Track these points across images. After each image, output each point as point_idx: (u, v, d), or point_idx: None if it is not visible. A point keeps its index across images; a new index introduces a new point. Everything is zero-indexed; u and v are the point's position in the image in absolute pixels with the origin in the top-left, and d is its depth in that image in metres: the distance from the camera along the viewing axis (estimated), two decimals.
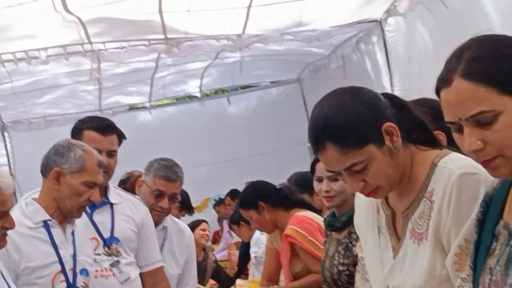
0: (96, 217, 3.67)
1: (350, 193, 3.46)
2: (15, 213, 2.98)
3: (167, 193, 3.96)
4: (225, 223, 8.91)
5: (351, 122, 1.92)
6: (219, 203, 9.52)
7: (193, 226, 6.82)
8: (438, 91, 1.64)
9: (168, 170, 3.97)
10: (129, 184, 4.74)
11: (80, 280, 3.23)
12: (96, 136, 3.65)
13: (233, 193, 8.77)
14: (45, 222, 3.22)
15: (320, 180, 3.50)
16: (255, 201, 4.23)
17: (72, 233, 3.29)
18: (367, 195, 2.03)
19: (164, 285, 3.85)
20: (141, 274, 3.75)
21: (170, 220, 4.15)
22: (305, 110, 9.38)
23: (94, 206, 3.63)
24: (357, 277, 2.35)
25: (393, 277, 2.07)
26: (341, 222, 3.40)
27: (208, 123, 9.36)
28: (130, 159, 5.01)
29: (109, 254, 3.62)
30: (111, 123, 3.81)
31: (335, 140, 1.92)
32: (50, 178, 3.21)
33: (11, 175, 3.71)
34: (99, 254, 3.59)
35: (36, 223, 3.20)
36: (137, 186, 4.08)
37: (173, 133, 9.15)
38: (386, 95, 2.06)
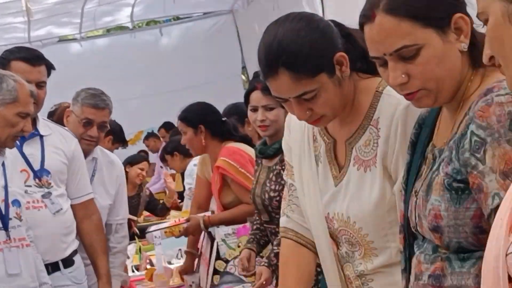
0: (26, 149, 3.63)
1: (283, 123, 3.49)
2: None
3: (95, 121, 3.93)
4: (156, 157, 8.88)
5: (307, 50, 1.90)
6: (148, 136, 9.48)
7: (133, 161, 6.79)
8: (361, 27, 1.65)
9: (96, 98, 3.94)
10: (57, 115, 4.66)
11: (13, 211, 3.20)
12: (25, 67, 3.57)
13: (167, 125, 8.73)
14: None
15: (255, 109, 3.50)
16: (197, 122, 4.21)
17: (3, 164, 3.24)
18: (311, 123, 2.04)
19: (94, 217, 3.84)
20: (72, 206, 3.73)
21: (100, 152, 4.12)
22: (238, 42, 9.34)
23: (23, 138, 3.57)
24: (284, 204, 2.35)
25: (335, 204, 2.08)
26: (273, 149, 3.45)
27: (140, 55, 9.24)
28: (60, 91, 4.94)
29: (40, 186, 3.60)
30: (39, 53, 3.74)
31: (289, 67, 1.90)
32: None
33: None
34: (30, 186, 3.56)
35: None
36: (65, 116, 4.03)
37: (104, 66, 9.01)
38: (334, 23, 2.03)
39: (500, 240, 1.17)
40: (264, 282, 3.28)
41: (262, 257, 3.51)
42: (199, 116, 4.23)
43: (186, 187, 5.84)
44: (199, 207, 4.39)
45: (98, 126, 3.94)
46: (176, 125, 5.36)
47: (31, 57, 3.62)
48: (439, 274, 1.55)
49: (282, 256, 2.33)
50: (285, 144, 2.31)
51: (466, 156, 1.48)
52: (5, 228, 3.15)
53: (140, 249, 4.97)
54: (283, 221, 2.33)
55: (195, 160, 5.41)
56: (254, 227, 3.64)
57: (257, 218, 3.60)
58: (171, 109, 8.59)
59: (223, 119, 4.22)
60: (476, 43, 1.56)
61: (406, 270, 1.72)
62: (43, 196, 3.58)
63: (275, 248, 3.27)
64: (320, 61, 1.92)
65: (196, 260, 4.31)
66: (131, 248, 5.24)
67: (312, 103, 1.95)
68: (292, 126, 2.26)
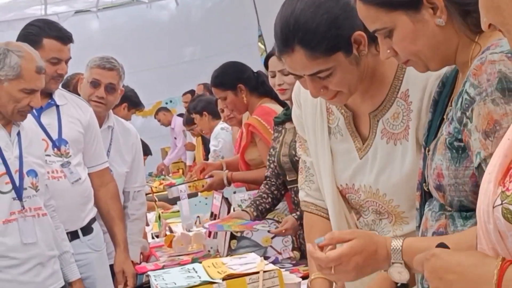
0: (44, 119, 3.67)
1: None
2: None
3: (102, 82, 3.98)
4: (178, 123, 8.88)
5: (325, 28, 1.88)
6: (158, 111, 9.49)
7: None
8: None
9: (102, 60, 4.01)
10: (72, 86, 4.72)
11: (27, 181, 3.24)
12: (58, 45, 3.63)
13: (191, 92, 8.65)
14: None
15: (273, 75, 3.57)
16: (235, 82, 4.22)
17: (18, 134, 3.30)
18: (327, 100, 2.04)
19: (111, 186, 3.90)
20: (88, 175, 3.80)
21: (115, 120, 4.17)
22: (254, 10, 9.32)
23: (40, 108, 3.63)
24: (301, 178, 2.36)
25: (362, 176, 2.09)
26: None
27: (157, 26, 9.25)
28: (76, 64, 4.96)
29: (59, 156, 3.65)
30: (69, 33, 3.76)
31: (305, 45, 1.89)
32: None
33: None
34: (49, 155, 3.60)
35: None
36: (78, 85, 4.10)
37: (121, 37, 9.06)
38: None
39: (488, 194, 1.19)
40: (284, 231, 3.34)
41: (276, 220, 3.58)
42: (234, 75, 4.23)
43: (211, 149, 5.88)
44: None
45: (106, 88, 3.99)
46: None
47: (63, 36, 3.68)
48: (442, 231, 1.59)
49: (306, 227, 2.37)
50: (295, 119, 2.32)
51: (459, 115, 1.52)
52: (19, 198, 3.20)
53: (159, 216, 5.03)
54: (302, 195, 2.36)
55: (223, 123, 5.45)
56: (257, 193, 3.71)
57: (265, 183, 3.66)
58: (188, 79, 8.70)
59: (255, 72, 4.23)
60: (470, 10, 1.57)
61: (419, 228, 1.75)
62: (62, 166, 3.63)
63: None
64: (337, 40, 1.89)
65: None
66: (151, 216, 5.32)
67: (327, 81, 1.94)
68: (302, 100, 2.25)
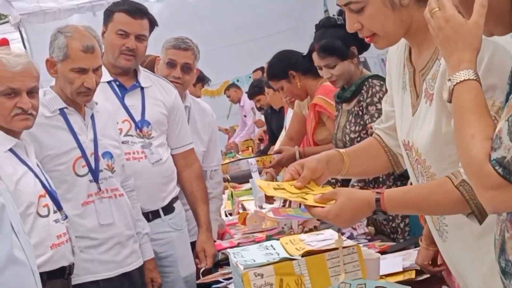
0: (127, 100, 3.72)
1: (352, 71, 3.56)
2: None
3: (178, 62, 4.03)
4: (248, 100, 8.89)
5: None
6: (229, 87, 9.51)
7: None
8: None
9: (178, 41, 4.06)
10: (146, 66, 4.79)
11: (103, 163, 3.30)
12: (126, 18, 3.66)
13: (261, 69, 8.63)
14: (61, 110, 3.26)
15: (320, 68, 3.67)
16: (285, 70, 4.25)
17: (92, 117, 3.35)
18: (366, 40, 2.08)
19: (195, 166, 3.93)
20: (173, 156, 3.83)
21: (191, 100, 4.22)
22: None
23: (125, 90, 3.72)
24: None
25: (412, 133, 2.12)
26: (350, 92, 3.57)
27: (219, 5, 9.25)
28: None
29: (141, 137, 3.69)
30: (142, 7, 3.79)
31: None
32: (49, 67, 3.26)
33: None
34: (131, 136, 3.66)
35: (52, 111, 3.25)
36: (156, 66, 4.15)
37: (184, 20, 9.05)
38: None
39: None
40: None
41: None
42: (283, 63, 4.27)
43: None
44: (291, 139, 4.48)
45: (181, 68, 4.03)
46: None
47: (133, 9, 3.69)
48: None
49: (362, 142, 2.51)
50: (388, 73, 2.35)
51: None
52: (96, 180, 3.26)
53: (232, 194, 5.08)
54: (374, 125, 2.47)
55: None
56: None
57: None
58: (255, 57, 8.68)
59: (304, 54, 4.25)
60: None
61: None
62: (143, 147, 3.67)
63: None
64: None
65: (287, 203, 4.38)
66: (223, 195, 5.36)
67: (360, 16, 2.01)
68: (391, 54, 2.29)
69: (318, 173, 2.23)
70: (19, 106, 2.86)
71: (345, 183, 3.66)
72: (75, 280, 3.16)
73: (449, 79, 1.65)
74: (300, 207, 3.53)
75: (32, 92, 2.91)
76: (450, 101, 1.66)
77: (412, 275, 2.73)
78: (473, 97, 1.60)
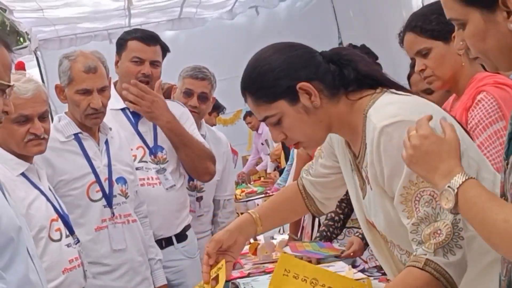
0: (141, 127, 3.76)
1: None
2: None
3: (195, 92, 4.08)
4: (266, 129, 8.92)
5: (263, 77, 2.01)
6: (247, 115, 9.54)
7: None
8: None
9: (195, 70, 4.12)
10: (163, 94, 4.83)
11: (117, 189, 3.32)
12: (140, 46, 3.71)
13: None
14: (75, 135, 3.30)
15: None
16: None
17: (106, 142, 3.37)
18: (294, 147, 2.14)
19: None
20: None
21: (207, 129, 4.24)
22: (334, 17, 9.28)
23: (138, 117, 3.74)
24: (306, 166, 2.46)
25: (370, 214, 2.12)
26: None
27: (236, 36, 9.30)
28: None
29: (156, 162, 3.72)
30: (155, 34, 3.85)
31: (249, 92, 2.05)
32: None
33: None
34: (146, 162, 3.69)
35: (67, 136, 3.29)
36: (172, 93, 4.18)
37: (201, 48, 9.11)
38: (335, 50, 2.11)
39: None
40: (352, 254, 3.34)
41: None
42: None
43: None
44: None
45: (198, 97, 4.07)
46: None
47: (146, 37, 3.75)
48: None
49: (283, 189, 2.54)
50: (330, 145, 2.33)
51: None
52: (109, 205, 3.28)
53: None
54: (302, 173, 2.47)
55: None
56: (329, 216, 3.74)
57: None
58: None
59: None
60: None
61: None
62: (157, 172, 3.70)
63: None
64: (276, 89, 2.00)
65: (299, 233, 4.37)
66: None
67: (281, 128, 2.04)
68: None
69: (227, 242, 2.29)
70: (32, 132, 2.88)
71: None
72: None
73: (446, 188, 1.64)
74: (317, 242, 3.55)
75: (43, 117, 2.94)
76: (456, 211, 1.64)
77: None
78: (480, 190, 1.60)
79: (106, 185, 3.29)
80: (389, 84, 2.04)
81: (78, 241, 3.01)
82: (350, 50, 2.13)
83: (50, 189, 3.00)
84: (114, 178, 3.33)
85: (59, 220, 2.94)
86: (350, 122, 2.03)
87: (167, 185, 3.70)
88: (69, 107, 3.34)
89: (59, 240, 2.92)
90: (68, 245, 2.95)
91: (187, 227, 3.83)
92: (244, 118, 9.72)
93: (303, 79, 1.99)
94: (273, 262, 4.08)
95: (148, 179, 3.67)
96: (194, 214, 4.01)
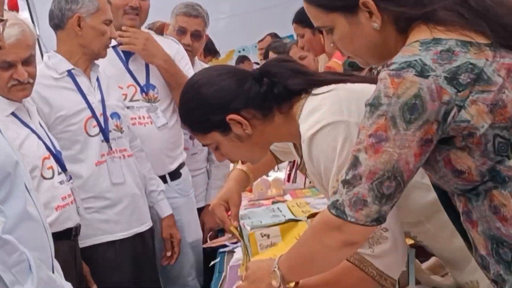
0: (132, 65, 3.75)
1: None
2: (39, 68, 3.08)
3: (188, 29, 4.06)
4: None
5: (194, 112, 2.10)
6: (242, 59, 9.45)
7: None
8: None
9: (188, 8, 4.09)
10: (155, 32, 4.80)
11: (112, 124, 3.35)
12: None
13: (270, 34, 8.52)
14: (69, 71, 3.30)
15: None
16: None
17: (97, 79, 3.38)
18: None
19: None
20: None
21: (200, 67, 4.22)
22: None
23: (129, 54, 3.73)
24: None
25: None
26: None
27: None
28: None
29: (147, 101, 3.71)
30: None
31: (184, 123, 2.19)
32: (71, 26, 3.28)
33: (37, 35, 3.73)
34: (137, 100, 3.69)
35: (60, 73, 3.28)
36: (165, 31, 4.15)
37: None
38: (264, 68, 2.15)
39: None
40: None
41: None
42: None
43: None
44: None
45: (191, 35, 4.05)
46: None
47: None
48: (466, 210, 1.62)
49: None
50: None
51: None
52: (107, 140, 3.31)
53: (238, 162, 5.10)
54: None
55: None
56: None
57: None
58: (261, 27, 8.63)
59: None
60: (398, 15, 1.67)
61: None
62: (148, 111, 3.70)
63: None
64: (207, 123, 2.09)
65: (293, 171, 4.40)
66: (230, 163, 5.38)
67: (220, 152, 2.14)
68: None
69: (233, 201, 2.51)
70: (15, 78, 2.87)
71: None
72: (93, 241, 3.26)
73: (273, 271, 1.83)
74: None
75: (28, 62, 2.92)
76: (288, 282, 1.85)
77: None
78: (287, 252, 1.83)
79: (101, 120, 3.32)
80: (317, 83, 2.07)
81: (71, 178, 3.02)
82: (278, 64, 2.14)
83: (41, 126, 3.00)
84: (108, 114, 3.35)
85: (51, 158, 2.94)
86: (289, 131, 2.08)
87: (159, 124, 3.71)
88: (64, 45, 3.32)
89: (52, 178, 2.94)
90: (61, 182, 2.96)
91: (181, 165, 3.84)
92: (237, 63, 9.64)
93: (233, 111, 2.05)
94: (268, 199, 4.13)
95: (139, 118, 3.68)
96: (188, 152, 4.02)
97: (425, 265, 2.43)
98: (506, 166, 1.52)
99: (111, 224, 3.31)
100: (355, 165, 1.55)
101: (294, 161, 4.33)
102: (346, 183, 1.56)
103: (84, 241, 3.22)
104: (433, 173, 1.62)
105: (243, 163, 2.38)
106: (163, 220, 3.58)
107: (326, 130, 1.89)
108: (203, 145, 2.19)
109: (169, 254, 3.65)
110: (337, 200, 1.58)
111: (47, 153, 2.93)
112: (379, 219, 1.57)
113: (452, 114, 1.50)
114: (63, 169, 3.00)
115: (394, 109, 1.50)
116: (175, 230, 3.63)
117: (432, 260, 2.43)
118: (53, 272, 2.24)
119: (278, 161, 2.59)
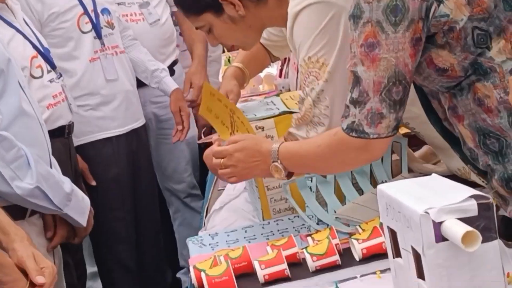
0: None
1: None
2: None
3: None
4: None
5: None
6: None
7: None
8: None
9: None
10: None
11: (103, 20, 3.33)
12: None
13: None
14: None
15: None
16: None
17: None
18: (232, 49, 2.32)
19: None
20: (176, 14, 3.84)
21: None
22: None
23: None
24: None
25: None
26: None
27: None
28: None
29: None
30: None
31: (177, 5, 2.17)
32: None
33: None
34: None
35: None
36: None
37: None
38: None
39: None
40: None
41: None
42: None
43: None
44: None
45: None
46: None
47: None
48: (452, 105, 1.63)
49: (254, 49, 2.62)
50: None
51: None
52: (99, 36, 3.30)
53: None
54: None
55: None
56: None
57: None
58: None
59: None
60: None
61: None
62: (140, 7, 3.67)
63: None
64: (200, 3, 2.06)
65: (284, 66, 4.40)
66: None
67: (213, 35, 2.14)
68: None
69: (231, 95, 2.46)
70: None
71: None
72: (90, 138, 3.29)
73: (272, 164, 1.83)
74: None
75: None
76: (291, 176, 1.87)
77: None
78: (292, 144, 1.87)
79: (93, 16, 3.30)
80: None
81: (61, 76, 2.99)
82: None
83: (27, 24, 2.93)
84: (99, 10, 3.33)
85: (39, 56, 2.87)
86: (282, 14, 2.04)
87: (151, 20, 3.68)
88: None
89: (41, 76, 2.88)
90: (51, 81, 2.91)
91: (175, 62, 3.83)
92: None
93: None
94: (260, 95, 4.15)
95: (131, 15, 3.64)
96: (179, 48, 3.99)
97: (417, 153, 2.47)
98: (487, 58, 1.53)
99: (107, 121, 3.33)
100: (357, 81, 1.55)
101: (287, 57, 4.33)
102: (355, 102, 1.57)
103: (81, 139, 3.25)
104: (417, 75, 1.62)
105: (233, 48, 2.35)
106: (171, 94, 3.57)
107: (312, 7, 1.90)
108: (196, 28, 2.16)
109: (180, 128, 3.64)
110: (353, 122, 1.58)
111: (34, 52, 2.87)
112: (397, 126, 1.59)
113: (432, 9, 1.50)
114: (52, 66, 2.96)
115: (377, 14, 1.50)
116: (183, 103, 3.62)
117: (425, 148, 2.48)
118: (51, 168, 2.27)
119: (272, 58, 2.58)
